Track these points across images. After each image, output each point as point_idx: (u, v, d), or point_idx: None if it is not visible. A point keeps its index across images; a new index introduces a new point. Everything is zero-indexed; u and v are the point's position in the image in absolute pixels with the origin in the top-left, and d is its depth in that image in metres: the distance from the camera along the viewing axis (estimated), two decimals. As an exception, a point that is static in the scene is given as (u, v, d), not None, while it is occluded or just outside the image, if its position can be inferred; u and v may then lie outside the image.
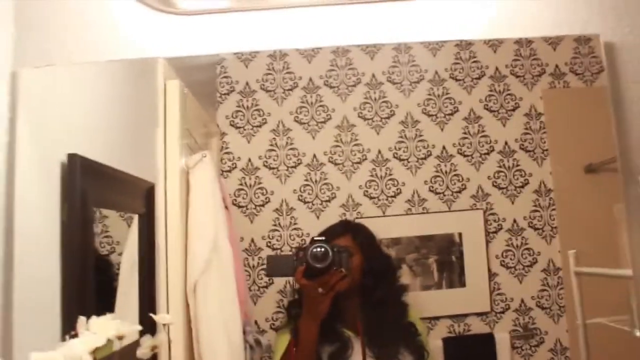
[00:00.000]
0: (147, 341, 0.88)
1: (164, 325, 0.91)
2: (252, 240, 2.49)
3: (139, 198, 1.27)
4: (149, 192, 1.33)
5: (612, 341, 2.05)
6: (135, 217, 1.28)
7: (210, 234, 1.57)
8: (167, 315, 0.88)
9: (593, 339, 1.69)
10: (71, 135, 0.96)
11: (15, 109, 0.77)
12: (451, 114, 2.61)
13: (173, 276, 1.49)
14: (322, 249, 1.61)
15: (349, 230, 2.04)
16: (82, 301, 0.82)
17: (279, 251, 2.49)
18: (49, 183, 0.88)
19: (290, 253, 1.65)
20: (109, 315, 0.70)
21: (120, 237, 1.40)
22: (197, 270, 1.53)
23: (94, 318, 0.68)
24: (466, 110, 2.60)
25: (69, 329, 0.80)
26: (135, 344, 0.97)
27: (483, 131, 2.60)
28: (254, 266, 2.48)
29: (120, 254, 1.42)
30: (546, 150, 2.60)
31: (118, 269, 1.38)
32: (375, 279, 1.94)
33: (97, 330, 0.68)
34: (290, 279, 1.79)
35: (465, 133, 2.59)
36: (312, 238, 1.66)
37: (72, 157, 0.91)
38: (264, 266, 2.47)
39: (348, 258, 1.70)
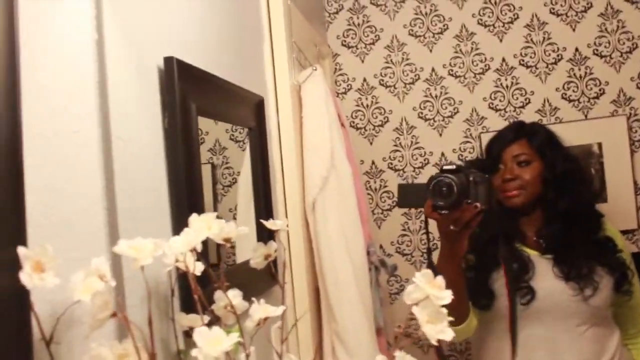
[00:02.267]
0: (259, 249, 0.83)
1: (277, 232, 0.85)
2: (373, 163, 2.41)
3: (248, 111, 1.21)
4: (259, 106, 1.26)
5: None
6: (246, 133, 1.22)
7: (327, 150, 1.47)
8: (279, 221, 0.82)
9: None
10: (167, 39, 0.91)
11: (100, 5, 0.71)
12: (584, 11, 2.33)
13: (291, 194, 1.44)
14: (447, 183, 1.27)
15: (524, 134, 1.67)
16: (193, 209, 0.77)
17: (401, 172, 2.39)
18: (146, 87, 0.83)
19: (424, 182, 1.34)
20: (211, 214, 0.65)
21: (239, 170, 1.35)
22: (314, 187, 1.46)
23: (194, 215, 0.63)
24: (603, 5, 2.31)
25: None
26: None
27: (624, 27, 2.30)
28: (376, 189, 2.41)
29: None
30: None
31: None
32: (558, 188, 1.60)
33: (199, 227, 0.63)
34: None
35: (601, 31, 2.30)
36: (442, 166, 1.36)
37: (168, 60, 0.85)
38: (387, 188, 2.39)
39: (487, 190, 1.34)
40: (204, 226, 0.66)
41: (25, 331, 0.56)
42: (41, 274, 0.55)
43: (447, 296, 0.57)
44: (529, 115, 2.32)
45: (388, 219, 2.37)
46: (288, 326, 0.99)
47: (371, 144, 2.40)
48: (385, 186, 2.39)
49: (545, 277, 1.57)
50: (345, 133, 1.76)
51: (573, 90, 2.32)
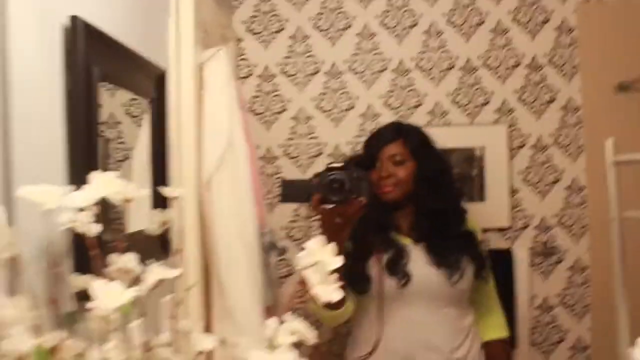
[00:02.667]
0: (156, 215, 0.84)
1: (174, 200, 0.86)
2: (268, 149, 2.44)
3: (150, 82, 1.20)
4: (160, 78, 1.26)
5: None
6: (146, 104, 1.21)
7: (225, 130, 1.49)
8: (176, 189, 0.84)
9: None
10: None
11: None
12: (477, 25, 2.48)
13: (187, 170, 1.44)
14: (338, 180, 1.44)
15: (400, 135, 1.82)
16: (88, 172, 0.76)
17: (295, 159, 2.44)
18: (48, 45, 0.81)
19: (307, 178, 1.46)
20: (112, 173, 0.65)
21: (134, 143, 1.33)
22: (211, 166, 1.47)
23: (96, 173, 0.63)
24: (493, 22, 2.48)
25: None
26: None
27: (510, 44, 2.48)
28: (270, 174, 2.44)
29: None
30: (576, 66, 2.49)
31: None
32: (428, 186, 1.78)
33: (101, 185, 0.63)
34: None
35: (491, 45, 2.47)
36: (328, 165, 1.53)
37: (74, 19, 0.84)
38: (281, 174, 2.44)
39: (368, 185, 1.51)
40: (105, 184, 0.67)
41: None
42: None
43: (337, 261, 0.62)
44: (420, 116, 2.45)
45: (280, 205, 2.42)
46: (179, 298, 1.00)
47: (268, 130, 2.44)
48: (280, 172, 2.43)
49: (419, 263, 1.76)
50: (244, 116, 1.78)
51: (462, 96, 2.47)
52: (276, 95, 2.44)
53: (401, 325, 1.74)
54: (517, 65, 2.48)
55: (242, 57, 2.45)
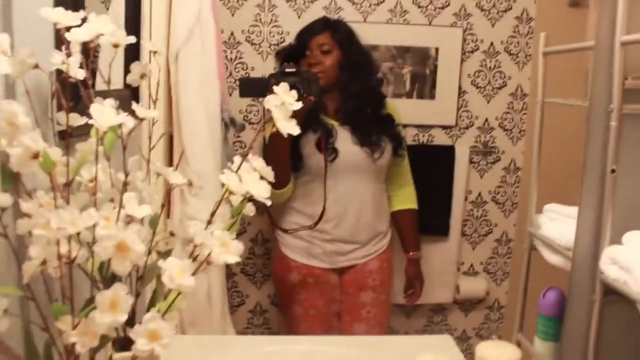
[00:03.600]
0: (135, 67, 0.93)
1: (152, 54, 0.95)
2: (232, 34, 2.50)
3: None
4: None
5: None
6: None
7: (195, 5, 1.56)
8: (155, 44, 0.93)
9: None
10: None
11: None
12: None
13: (157, 42, 1.52)
14: (292, 86, 1.60)
15: (328, 27, 2.04)
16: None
17: (257, 46, 2.51)
18: None
19: (262, 77, 1.80)
20: (106, 16, 0.72)
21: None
22: (180, 39, 1.55)
23: (94, 14, 0.71)
24: None
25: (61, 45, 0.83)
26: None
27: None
28: (231, 59, 2.52)
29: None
30: (532, -21, 2.59)
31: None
32: (351, 74, 2.00)
33: (98, 24, 0.71)
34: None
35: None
36: (283, 70, 1.75)
37: None
38: (242, 60, 2.51)
39: (317, 86, 1.76)
40: (104, 24, 0.76)
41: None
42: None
43: (296, 105, 0.75)
44: (381, 14, 2.53)
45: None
46: (143, 151, 1.11)
47: (233, 15, 2.48)
48: (241, 57, 2.50)
49: (345, 142, 2.00)
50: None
51: (422, -3, 2.56)
52: (242, -19, 2.48)
53: (330, 195, 2.00)
54: (477, -30, 2.56)
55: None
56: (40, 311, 0.79)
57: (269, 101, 0.74)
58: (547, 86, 1.46)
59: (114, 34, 0.79)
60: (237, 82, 2.12)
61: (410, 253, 2.27)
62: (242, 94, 1.77)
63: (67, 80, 0.84)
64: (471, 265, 2.75)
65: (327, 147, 1.96)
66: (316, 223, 1.98)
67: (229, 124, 1.85)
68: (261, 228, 2.58)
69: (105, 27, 0.75)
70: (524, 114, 2.68)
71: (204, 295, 1.79)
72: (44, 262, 0.70)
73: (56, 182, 0.74)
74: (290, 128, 0.73)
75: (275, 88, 0.74)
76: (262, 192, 0.76)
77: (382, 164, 2.06)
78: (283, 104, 0.74)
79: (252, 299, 2.66)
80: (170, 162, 1.66)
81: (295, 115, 0.78)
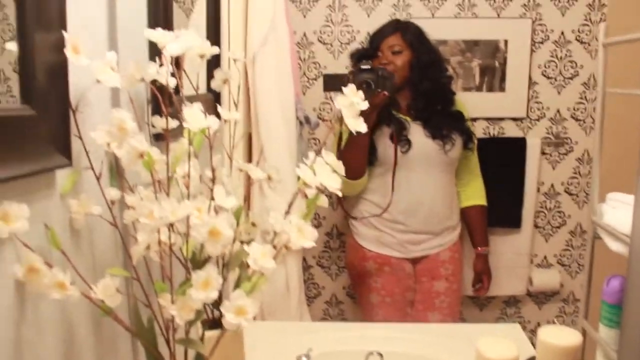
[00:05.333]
0: (218, 73, 1.04)
1: (233, 61, 1.06)
2: (304, 35, 2.61)
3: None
4: (216, -37, 1.44)
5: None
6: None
7: (269, 11, 1.67)
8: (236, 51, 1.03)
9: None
10: None
11: None
12: None
13: (235, 47, 1.64)
14: (366, 81, 1.82)
15: (399, 29, 2.15)
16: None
17: (329, 45, 2.61)
18: None
19: (343, 73, 1.98)
20: (193, 31, 0.83)
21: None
22: (256, 42, 1.66)
23: (185, 30, 0.81)
24: None
25: (154, 56, 0.94)
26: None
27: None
28: (304, 59, 2.62)
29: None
30: (605, -36, 2.55)
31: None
32: (422, 73, 2.11)
33: (189, 38, 0.81)
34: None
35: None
36: (360, 66, 1.88)
37: None
38: (314, 59, 2.62)
39: (391, 82, 1.88)
40: (193, 38, 0.87)
41: (65, 98, 0.78)
42: (77, 55, 0.76)
43: (364, 104, 0.83)
44: (449, 8, 2.57)
45: (312, 87, 2.62)
46: (227, 150, 1.21)
47: (304, 17, 2.59)
48: (314, 57, 2.61)
49: (418, 134, 2.11)
50: (284, 2, 1.94)
51: (490, -10, 2.58)
52: (313, -17, 2.57)
53: (404, 187, 2.10)
54: (547, -39, 2.56)
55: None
56: (144, 290, 0.91)
57: (339, 101, 0.83)
58: (620, 75, 1.47)
59: (201, 47, 0.90)
60: (322, 78, 2.32)
61: (479, 248, 2.35)
62: (325, 89, 1.91)
63: (162, 89, 0.96)
64: (544, 258, 2.75)
65: (401, 139, 2.06)
66: (384, 211, 2.09)
67: (303, 121, 1.96)
68: (335, 222, 2.68)
69: (194, 41, 0.86)
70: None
71: (282, 285, 1.90)
72: (148, 247, 0.81)
73: (156, 178, 0.86)
74: (358, 126, 0.82)
75: (344, 89, 0.83)
76: (334, 183, 0.85)
77: (453, 156, 2.14)
78: (352, 104, 0.82)
79: (328, 290, 2.76)
80: (249, 159, 1.78)
81: (370, 108, 0.88)
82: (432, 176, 2.13)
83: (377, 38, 2.16)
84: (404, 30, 2.15)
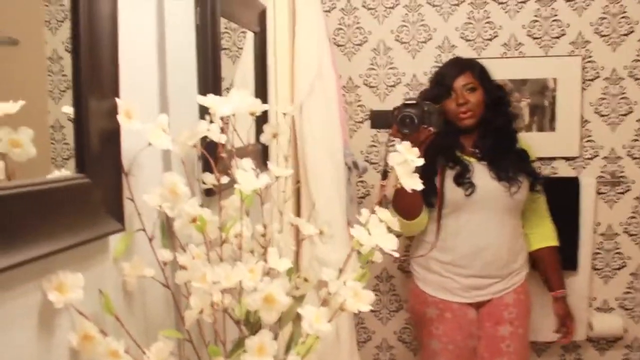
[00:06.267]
0: (267, 128, 1.04)
1: (283, 115, 1.06)
2: (350, 78, 2.61)
3: (254, 17, 1.39)
4: (262, 15, 1.45)
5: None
6: (250, 35, 1.40)
7: (315, 58, 1.68)
8: (286, 107, 1.03)
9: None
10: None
11: None
12: (557, -43, 2.52)
13: (282, 97, 1.64)
14: (409, 116, 1.74)
15: (468, 67, 2.10)
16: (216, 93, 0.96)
17: (375, 89, 2.60)
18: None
19: (390, 109, 1.79)
20: (245, 90, 0.84)
21: (228, 75, 1.51)
22: (303, 92, 1.66)
23: (235, 90, 0.82)
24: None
25: (204, 114, 0.95)
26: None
27: (589, -24, 2.51)
28: (350, 102, 2.62)
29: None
30: (657, -4, 2.49)
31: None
32: (494, 111, 2.07)
33: (238, 99, 0.81)
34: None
35: (569, -23, 2.51)
36: (404, 101, 1.81)
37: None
38: (360, 102, 2.61)
39: (437, 117, 1.82)
40: (243, 98, 0.87)
41: (118, 163, 0.78)
42: (129, 120, 0.76)
43: (419, 161, 0.81)
44: (495, 48, 2.54)
45: (359, 131, 2.61)
46: (278, 204, 1.21)
47: (350, 60, 2.60)
48: (359, 100, 2.60)
49: (483, 176, 2.05)
50: (331, 48, 1.95)
51: (537, 29, 2.54)
52: (357, 28, 2.59)
53: (468, 230, 2.05)
54: (594, -2, 2.51)
55: (325, -10, 2.59)
56: (197, 352, 0.89)
57: (393, 158, 0.81)
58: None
59: (251, 105, 0.90)
60: (369, 115, 2.27)
61: (556, 291, 2.28)
62: (373, 126, 1.90)
63: (216, 150, 0.95)
64: (604, 301, 2.63)
65: (464, 182, 2.02)
66: (429, 251, 2.06)
67: (352, 167, 1.94)
68: (385, 265, 2.63)
69: (244, 101, 0.86)
70: (655, 140, 2.56)
71: (333, 334, 1.86)
72: (201, 311, 0.80)
73: (208, 238, 0.85)
74: (414, 184, 0.79)
75: (397, 147, 0.81)
76: (390, 244, 0.82)
77: (519, 198, 2.07)
78: (406, 161, 0.80)
79: (378, 335, 2.70)
80: (298, 211, 1.76)
81: (416, 144, 0.85)
82: (497, 219, 2.06)
83: (448, 77, 2.09)
84: (473, 68, 2.11)
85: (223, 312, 0.82)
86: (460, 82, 2.06)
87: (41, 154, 0.71)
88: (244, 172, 0.80)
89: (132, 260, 0.83)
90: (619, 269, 2.61)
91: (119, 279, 0.82)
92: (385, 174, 1.91)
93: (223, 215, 0.94)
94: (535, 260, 2.24)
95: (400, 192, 1.84)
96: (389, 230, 0.90)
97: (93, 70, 0.73)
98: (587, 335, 2.58)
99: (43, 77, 0.73)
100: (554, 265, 2.26)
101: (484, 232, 2.06)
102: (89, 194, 0.72)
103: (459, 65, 2.12)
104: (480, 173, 2.06)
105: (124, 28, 0.80)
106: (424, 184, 0.87)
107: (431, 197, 2.04)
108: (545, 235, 2.24)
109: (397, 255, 0.85)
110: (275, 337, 0.95)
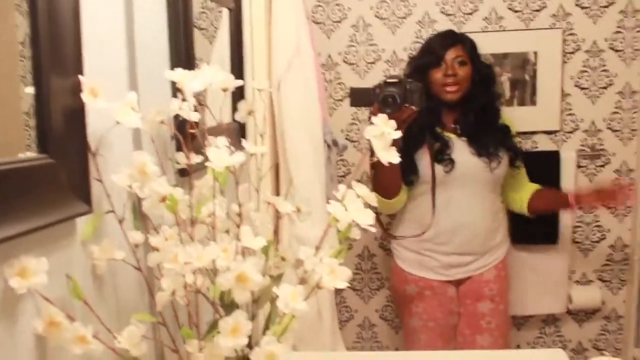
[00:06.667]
0: (242, 104, 1.01)
1: (260, 92, 1.03)
2: (329, 56, 2.58)
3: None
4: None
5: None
6: (226, 12, 1.37)
7: (293, 35, 1.65)
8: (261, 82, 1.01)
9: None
10: None
11: None
12: None
13: (258, 74, 1.61)
14: (391, 95, 1.69)
15: (460, 41, 2.10)
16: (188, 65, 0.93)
17: (354, 66, 2.58)
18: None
19: (370, 87, 1.73)
20: (216, 66, 0.81)
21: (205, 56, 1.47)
22: (281, 69, 1.64)
23: (206, 65, 0.79)
24: None
25: (177, 91, 0.92)
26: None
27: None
28: (330, 80, 2.59)
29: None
30: (637, -33, 2.48)
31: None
32: (481, 87, 2.07)
33: (210, 74, 0.79)
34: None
35: (549, -53, 2.48)
36: (386, 79, 1.74)
37: None
38: (340, 80, 2.59)
39: (419, 95, 1.75)
40: (214, 73, 0.84)
41: (84, 143, 0.75)
42: (95, 98, 0.73)
43: (396, 133, 0.79)
44: (476, 22, 2.52)
45: (339, 109, 2.58)
46: (253, 182, 1.18)
47: (329, 38, 2.56)
48: (339, 78, 2.58)
49: (462, 153, 2.04)
50: (309, 26, 1.92)
51: (518, 2, 2.52)
52: (336, 5, 2.55)
53: (447, 207, 2.03)
54: (575, -31, 2.49)
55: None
56: (171, 335, 0.87)
57: (369, 131, 0.79)
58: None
59: (223, 80, 0.87)
60: (349, 93, 2.17)
61: (572, 205, 2.14)
62: (353, 103, 1.85)
63: (186, 127, 0.93)
64: (584, 274, 2.65)
65: (444, 159, 2.01)
66: (423, 233, 2.02)
67: (331, 145, 1.92)
68: (367, 243, 2.63)
69: (215, 76, 0.83)
70: (635, 112, 2.56)
71: (314, 312, 1.85)
72: (173, 293, 0.78)
73: (180, 218, 0.83)
74: (390, 157, 0.78)
75: (373, 118, 0.79)
76: (366, 219, 0.80)
77: (499, 174, 2.08)
78: (382, 134, 0.78)
79: (361, 313, 2.70)
80: (276, 189, 1.74)
81: (398, 123, 0.83)
82: (476, 195, 2.06)
83: (440, 47, 2.07)
84: (465, 42, 2.10)
85: (196, 293, 0.80)
86: (451, 54, 2.05)
87: (16, 139, 0.69)
88: (217, 149, 0.78)
89: (101, 243, 0.80)
90: (598, 241, 2.63)
91: (88, 262, 0.80)
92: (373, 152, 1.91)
93: (196, 194, 0.92)
94: (535, 207, 2.19)
95: (379, 170, 1.83)
96: (367, 205, 0.88)
97: (53, 46, 0.70)
98: (566, 307, 2.61)
99: (15, 62, 0.70)
100: (551, 191, 2.27)
101: (465, 208, 2.05)
102: (53, 175, 0.70)
103: (452, 38, 2.12)
104: (460, 149, 2.05)
105: (87, 2, 0.77)
106: (403, 161, 0.85)
107: (410, 175, 2.02)
108: (530, 189, 2.22)
109: (373, 230, 0.83)
110: (253, 318, 0.94)
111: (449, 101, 2.05)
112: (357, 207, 0.84)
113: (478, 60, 2.10)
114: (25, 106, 0.71)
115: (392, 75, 1.88)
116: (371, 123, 0.82)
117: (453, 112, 2.10)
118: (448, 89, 2.03)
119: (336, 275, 0.80)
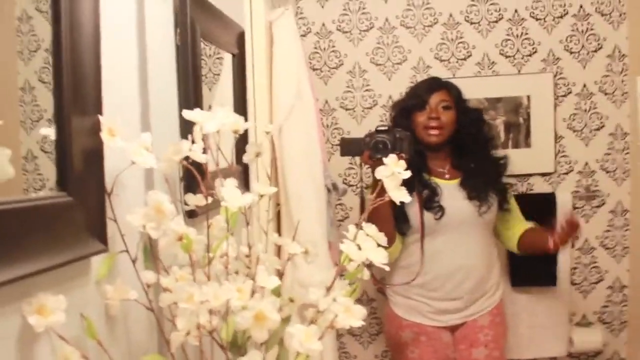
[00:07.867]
0: (251, 147, 1.02)
1: (266, 135, 1.05)
2: (326, 101, 2.61)
3: (233, 39, 1.38)
4: (240, 37, 1.44)
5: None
6: (229, 57, 1.40)
7: (294, 82, 1.68)
8: (268, 126, 1.02)
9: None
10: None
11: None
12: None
13: (260, 119, 1.63)
14: (382, 141, 1.76)
15: (444, 86, 2.13)
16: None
17: (351, 111, 2.61)
18: (165, 8, 0.99)
19: (361, 137, 1.77)
20: (229, 108, 0.83)
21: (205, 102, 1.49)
22: (282, 115, 1.66)
23: (219, 107, 0.81)
24: (540, -28, 2.56)
25: (185, 134, 0.93)
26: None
27: (557, -5, 2.56)
28: (328, 125, 2.62)
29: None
30: (624, 14, 2.56)
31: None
32: (466, 131, 2.09)
33: (222, 117, 0.80)
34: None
35: (538, -3, 2.56)
36: (376, 128, 1.82)
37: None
38: (337, 125, 2.62)
39: (408, 143, 1.81)
40: (227, 115, 0.85)
41: (101, 182, 0.76)
42: (113, 138, 0.74)
43: (406, 173, 0.81)
44: (469, 68, 2.57)
45: (337, 153, 2.59)
46: (263, 225, 1.19)
47: (326, 84, 2.60)
48: (337, 123, 2.61)
49: (452, 198, 2.03)
50: (309, 71, 1.96)
51: (510, 48, 2.58)
52: (333, 51, 2.60)
53: (439, 253, 2.02)
54: (564, 15, 2.56)
55: (301, 16, 2.60)
56: (183, 377, 0.86)
57: (380, 172, 0.80)
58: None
59: (235, 123, 0.88)
60: (339, 142, 2.21)
61: (552, 245, 1.99)
62: (343, 153, 1.87)
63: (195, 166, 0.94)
64: (584, 316, 2.64)
65: (433, 206, 2.01)
66: (412, 280, 2.00)
67: (331, 189, 1.93)
68: (365, 288, 2.61)
69: (229, 118, 0.85)
70: (627, 153, 2.60)
71: (317, 358, 1.83)
72: (188, 333, 0.77)
73: (194, 258, 0.83)
74: (402, 196, 0.79)
75: (385, 160, 0.80)
76: (381, 258, 0.81)
77: (489, 218, 2.08)
78: (393, 174, 0.79)
79: (360, 359, 2.67)
80: (278, 232, 1.74)
81: None
82: (468, 239, 2.05)
83: (425, 92, 2.11)
84: (449, 87, 2.14)
85: (210, 334, 0.79)
86: (435, 98, 2.08)
87: (15, 183, 0.68)
88: (230, 189, 0.78)
89: (115, 282, 0.80)
90: (596, 282, 2.63)
91: (101, 301, 0.80)
92: (363, 201, 1.96)
93: (208, 235, 0.92)
94: (524, 245, 2.16)
95: (374, 219, 1.82)
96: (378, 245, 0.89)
97: (75, 89, 0.71)
98: (567, 351, 2.58)
99: (15, 109, 0.71)
100: (535, 233, 2.13)
101: (456, 253, 2.04)
102: (71, 213, 0.70)
103: (437, 83, 2.15)
104: (450, 194, 2.05)
105: (106, 48, 0.79)
106: (394, 211, 0.85)
107: (401, 224, 2.01)
108: (521, 228, 2.18)
109: (387, 269, 0.83)
110: (262, 360, 0.93)
111: (431, 144, 2.06)
112: (370, 246, 0.84)
113: (463, 105, 2.13)
114: (24, 150, 0.71)
115: (382, 124, 1.91)
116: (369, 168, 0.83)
117: (439, 157, 2.11)
118: (431, 132, 2.04)
119: (351, 313, 0.80)
